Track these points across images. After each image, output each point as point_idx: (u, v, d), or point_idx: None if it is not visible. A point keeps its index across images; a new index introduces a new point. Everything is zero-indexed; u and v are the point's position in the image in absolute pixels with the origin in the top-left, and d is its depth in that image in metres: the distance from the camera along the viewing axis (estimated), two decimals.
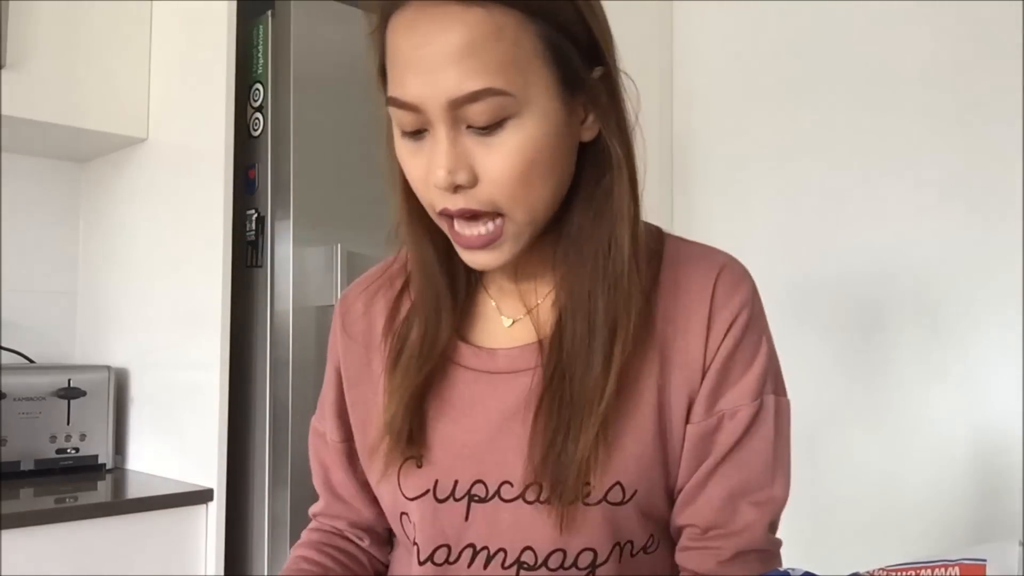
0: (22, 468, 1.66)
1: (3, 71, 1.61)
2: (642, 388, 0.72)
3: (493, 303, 0.79)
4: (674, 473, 0.74)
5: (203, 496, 1.55)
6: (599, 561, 0.71)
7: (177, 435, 1.68)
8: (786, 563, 0.78)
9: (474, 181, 0.65)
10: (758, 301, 0.76)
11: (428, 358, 0.75)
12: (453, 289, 0.77)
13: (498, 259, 0.68)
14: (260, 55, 1.64)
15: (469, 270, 0.77)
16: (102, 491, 1.62)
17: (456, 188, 0.65)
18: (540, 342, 0.74)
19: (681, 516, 0.74)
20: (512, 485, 0.71)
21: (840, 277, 2.11)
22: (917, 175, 1.99)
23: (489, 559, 0.72)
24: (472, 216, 0.66)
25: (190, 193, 1.68)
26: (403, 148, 0.69)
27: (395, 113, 0.67)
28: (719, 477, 0.73)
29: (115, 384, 1.79)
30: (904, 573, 0.77)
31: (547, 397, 0.70)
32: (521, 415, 0.72)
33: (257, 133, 1.64)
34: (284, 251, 1.59)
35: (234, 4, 1.61)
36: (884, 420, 2.01)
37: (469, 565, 0.72)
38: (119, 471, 1.79)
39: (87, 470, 1.74)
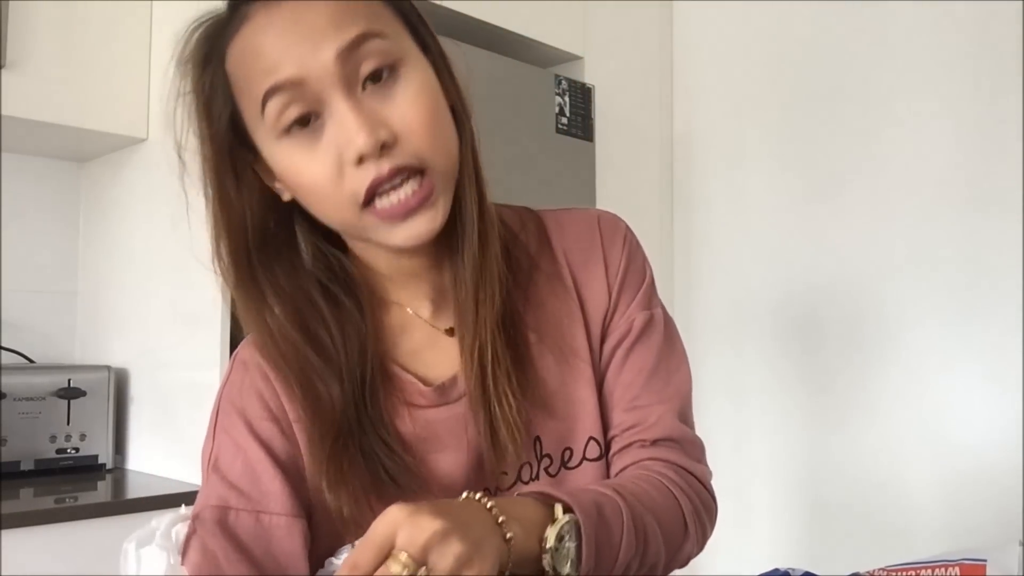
0: (22, 468, 1.66)
1: (3, 71, 1.61)
2: (575, 346, 0.77)
3: (423, 320, 0.77)
4: None
5: None
6: None
7: (177, 435, 1.67)
8: (786, 563, 0.78)
9: (394, 137, 0.64)
10: (633, 236, 0.84)
11: (333, 422, 0.70)
12: (347, 342, 0.72)
13: (434, 219, 0.67)
14: None
15: (374, 301, 0.75)
16: (102, 491, 1.62)
17: (381, 149, 0.63)
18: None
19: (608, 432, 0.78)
20: (507, 473, 0.74)
21: (840, 275, 2.11)
22: (917, 174, 1.99)
23: None
24: (396, 183, 0.64)
25: (190, 193, 1.68)
26: (297, 154, 0.65)
27: (276, 106, 0.64)
28: (623, 382, 0.78)
29: (115, 384, 1.79)
30: (904, 573, 0.77)
31: (472, 386, 0.73)
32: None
33: None
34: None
35: None
36: (884, 420, 2.01)
37: None
38: (119, 471, 1.78)
39: (87, 470, 1.74)
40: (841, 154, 2.11)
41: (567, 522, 0.60)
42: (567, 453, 0.75)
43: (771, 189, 2.24)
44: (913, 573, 0.77)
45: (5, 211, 1.93)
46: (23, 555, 1.35)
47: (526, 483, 0.74)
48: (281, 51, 0.63)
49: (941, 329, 1.93)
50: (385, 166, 0.64)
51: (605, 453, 0.76)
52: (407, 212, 0.65)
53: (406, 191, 0.65)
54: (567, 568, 0.60)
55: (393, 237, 0.67)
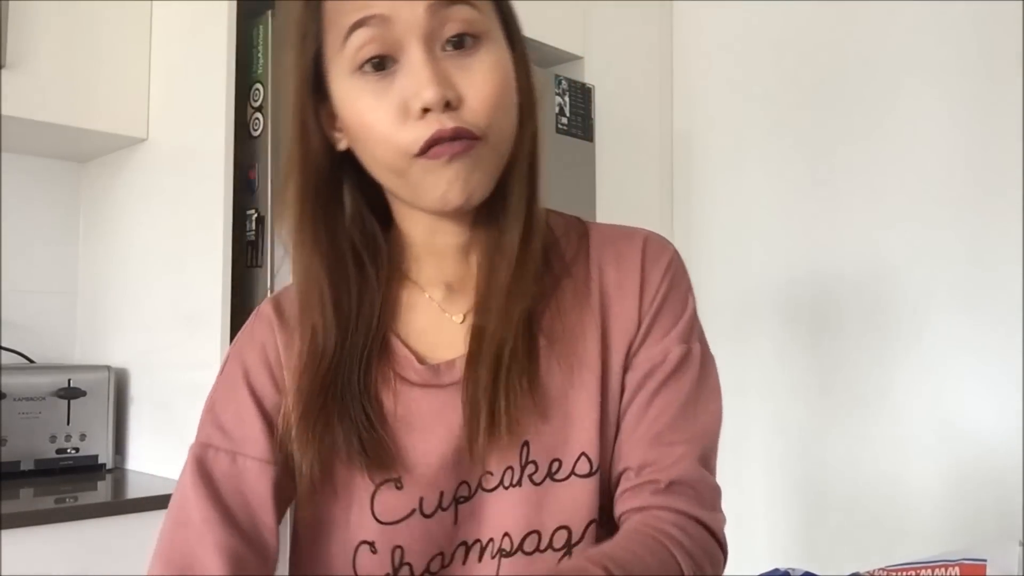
0: (22, 468, 1.66)
1: (3, 71, 1.61)
2: (586, 361, 0.74)
3: (436, 304, 0.78)
4: None
5: None
6: (574, 540, 0.71)
7: (177, 435, 1.67)
8: (786, 563, 0.78)
9: (459, 101, 0.65)
10: (681, 264, 0.81)
11: (321, 365, 0.72)
12: (359, 308, 0.74)
13: (469, 180, 0.67)
14: (260, 55, 1.64)
15: (398, 277, 0.77)
16: (102, 491, 1.62)
17: (446, 106, 0.64)
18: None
19: (617, 463, 0.74)
20: (492, 474, 0.72)
21: (840, 274, 2.11)
22: (917, 174, 1.99)
23: (482, 550, 0.73)
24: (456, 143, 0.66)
25: (190, 193, 1.68)
26: (365, 95, 0.67)
27: (358, 39, 0.65)
28: (649, 418, 0.73)
29: (115, 384, 1.79)
30: (904, 573, 0.77)
31: (478, 370, 0.72)
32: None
33: (257, 133, 1.64)
34: (284, 251, 1.58)
35: (234, 4, 1.61)
36: (884, 419, 2.01)
37: (464, 563, 0.73)
38: (119, 471, 1.78)
39: (87, 470, 1.74)
40: (841, 153, 2.11)
41: None
42: (555, 464, 0.72)
43: (771, 188, 2.24)
44: (913, 573, 0.77)
45: (5, 211, 1.93)
46: (23, 555, 1.35)
47: (508, 488, 0.72)
48: None
49: (943, 326, 1.93)
50: (449, 123, 0.65)
51: (597, 471, 0.72)
52: (452, 156, 0.66)
53: (456, 146, 0.66)
54: None
55: (433, 191, 0.68)
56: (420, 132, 0.65)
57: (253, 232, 1.64)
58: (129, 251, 1.88)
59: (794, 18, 2.21)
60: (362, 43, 0.65)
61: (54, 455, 1.70)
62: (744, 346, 2.26)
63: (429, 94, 0.63)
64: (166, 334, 1.75)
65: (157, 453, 1.75)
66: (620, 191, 2.25)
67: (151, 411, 1.79)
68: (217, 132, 1.60)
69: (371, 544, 0.73)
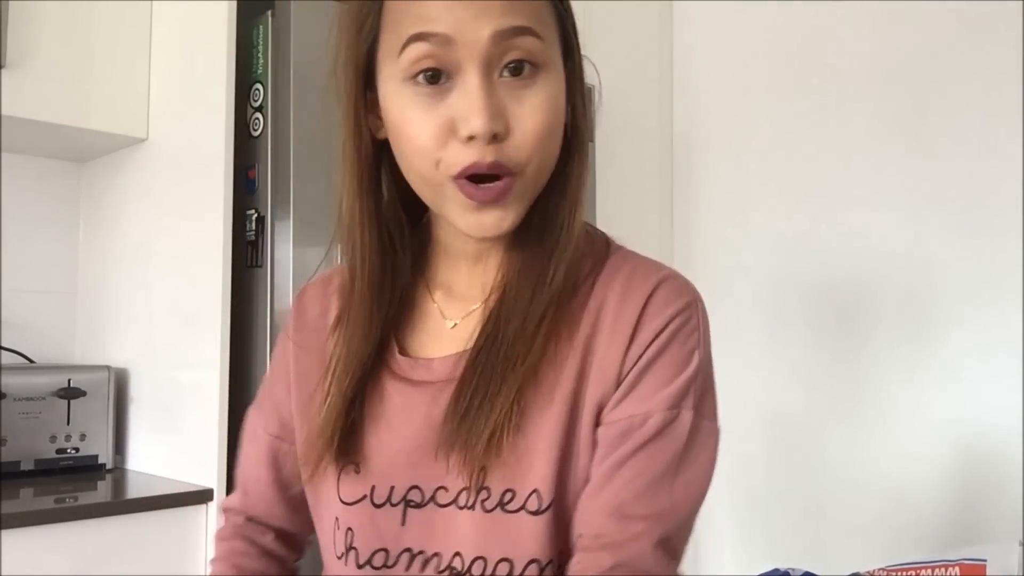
0: (22, 468, 1.66)
1: (3, 71, 1.61)
2: (556, 394, 0.69)
3: (436, 305, 0.78)
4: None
5: (203, 496, 1.54)
6: (515, 573, 0.69)
7: (177, 435, 1.67)
8: (786, 563, 0.78)
9: (507, 134, 0.64)
10: (697, 317, 0.71)
11: (358, 365, 0.74)
12: (393, 289, 0.76)
13: (505, 219, 0.67)
14: (260, 55, 1.64)
15: (414, 272, 0.78)
16: (102, 491, 1.62)
17: (492, 138, 0.63)
18: (483, 324, 0.73)
19: (576, 525, 0.69)
20: (447, 490, 0.71)
21: (839, 276, 2.11)
22: (916, 174, 1.99)
23: (425, 563, 0.72)
24: (487, 176, 0.65)
25: (190, 193, 1.68)
26: (413, 106, 0.66)
27: (416, 52, 0.64)
28: (615, 485, 0.67)
29: (115, 384, 1.79)
30: (904, 573, 0.77)
31: (478, 360, 0.70)
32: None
33: (257, 133, 1.64)
34: (284, 251, 1.59)
35: (234, 4, 1.61)
36: (884, 419, 2.01)
37: (407, 569, 0.72)
38: (119, 471, 1.79)
39: (87, 470, 1.74)
40: (840, 153, 2.11)
41: None
42: (508, 495, 0.69)
43: (771, 188, 2.24)
44: (913, 573, 0.77)
45: (5, 211, 1.93)
46: (23, 555, 1.35)
47: (461, 508, 0.70)
48: (443, 8, 0.63)
49: (943, 326, 1.93)
50: (489, 156, 0.64)
51: (547, 510, 0.68)
52: (483, 203, 0.66)
53: (493, 186, 0.66)
54: None
55: (461, 220, 0.68)
56: (460, 157, 0.64)
57: (253, 232, 1.64)
58: (129, 251, 1.88)
59: (794, 18, 2.21)
60: (419, 56, 0.64)
61: (54, 455, 1.70)
62: (743, 345, 2.26)
63: (478, 124, 0.63)
64: (166, 334, 1.75)
65: (157, 453, 1.75)
66: (620, 191, 2.25)
67: (151, 411, 1.79)
68: (217, 132, 1.60)
69: (336, 520, 0.76)
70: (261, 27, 1.64)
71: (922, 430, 1.94)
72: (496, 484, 0.69)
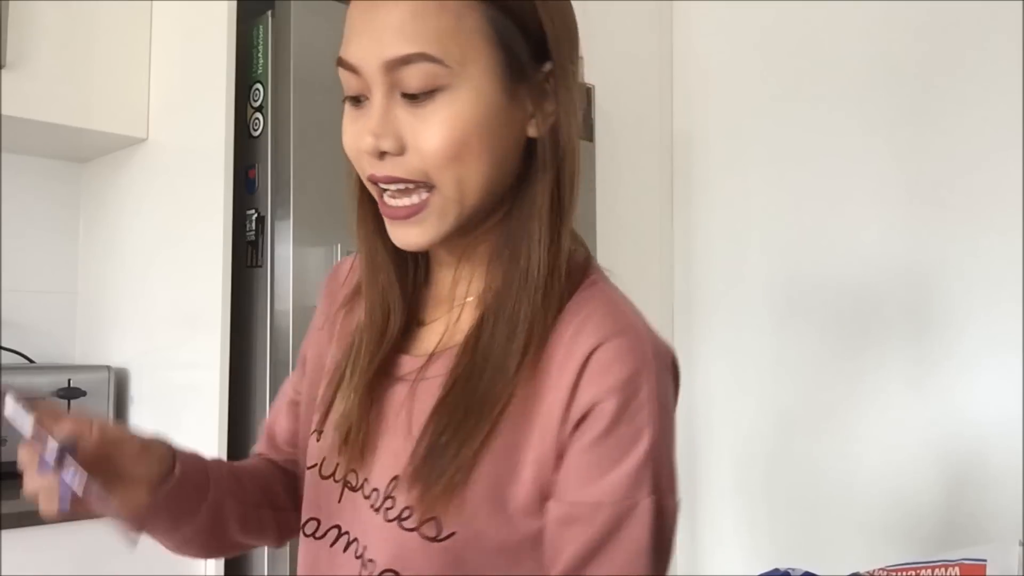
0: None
1: (3, 71, 1.61)
2: (502, 434, 0.65)
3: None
4: (503, 534, 0.65)
5: None
6: None
7: (177, 435, 1.67)
8: (786, 563, 0.78)
9: (401, 149, 0.67)
10: (648, 388, 0.64)
11: (379, 350, 0.76)
12: (402, 283, 0.77)
13: (422, 235, 0.69)
14: (260, 55, 1.64)
15: (416, 266, 0.79)
16: None
17: (382, 155, 0.67)
18: (467, 340, 0.70)
19: None
20: (368, 481, 0.72)
21: (839, 276, 2.11)
22: (916, 175, 1.99)
23: (348, 544, 0.73)
24: (402, 188, 0.68)
25: (190, 193, 1.68)
26: (345, 115, 0.71)
27: (341, 76, 0.70)
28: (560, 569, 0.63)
29: (115, 384, 1.79)
30: (904, 573, 0.77)
31: (449, 397, 0.68)
32: (396, 420, 0.72)
33: (257, 133, 1.64)
34: (284, 251, 1.59)
35: (234, 4, 1.61)
36: (885, 420, 2.01)
37: (331, 545, 0.74)
38: None
39: None
40: (841, 152, 2.11)
41: None
42: (407, 511, 0.66)
43: (771, 188, 2.24)
44: (913, 573, 0.77)
45: (5, 211, 1.93)
46: (23, 555, 1.35)
47: (372, 507, 0.70)
48: (354, 33, 0.69)
49: (943, 326, 1.93)
50: (385, 168, 0.68)
51: (443, 541, 0.65)
52: (394, 219, 0.70)
53: (400, 202, 0.69)
54: None
55: (389, 230, 0.72)
56: (367, 167, 0.69)
57: (253, 232, 1.64)
58: (129, 251, 1.88)
59: (794, 18, 2.21)
60: (345, 80, 0.70)
61: None
62: (743, 345, 2.26)
63: (366, 141, 0.67)
64: (166, 334, 1.75)
65: None
66: (620, 191, 2.25)
67: (151, 411, 1.79)
68: (217, 132, 1.60)
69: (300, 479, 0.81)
70: (261, 27, 1.64)
71: (922, 430, 1.94)
72: (401, 498, 0.67)
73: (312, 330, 0.89)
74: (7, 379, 1.66)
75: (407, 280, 0.77)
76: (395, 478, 0.68)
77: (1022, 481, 1.77)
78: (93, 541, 1.44)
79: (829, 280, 2.12)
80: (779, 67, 2.24)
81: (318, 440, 0.78)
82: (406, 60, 0.65)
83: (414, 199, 0.68)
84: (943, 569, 0.77)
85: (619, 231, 2.18)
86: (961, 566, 0.77)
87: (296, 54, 1.58)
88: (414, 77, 0.66)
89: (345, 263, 0.88)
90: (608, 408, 0.63)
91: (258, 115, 1.64)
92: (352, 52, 0.68)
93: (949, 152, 1.93)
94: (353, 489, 0.74)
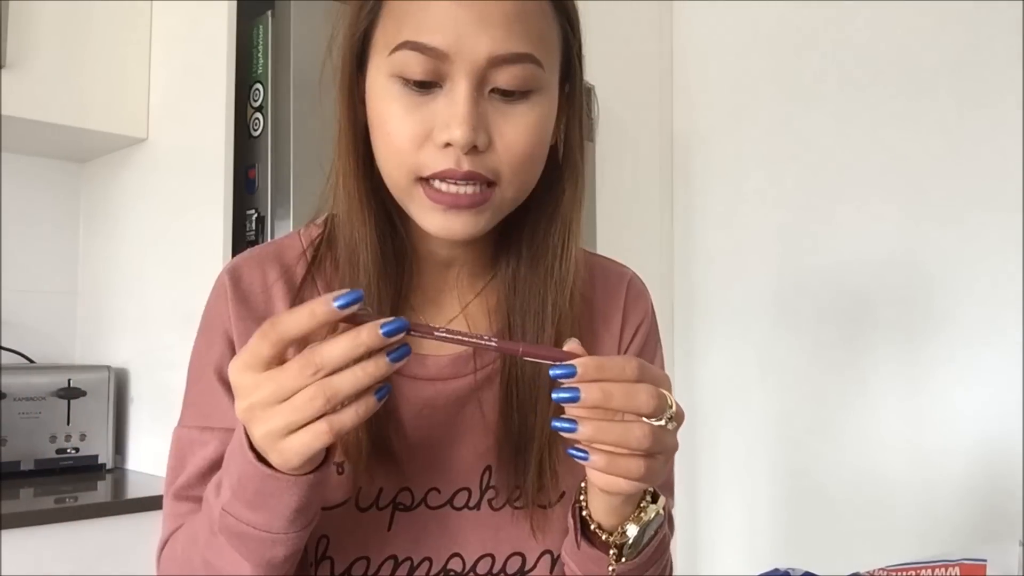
0: (22, 468, 1.66)
1: (3, 71, 1.61)
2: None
3: (411, 307, 0.75)
4: (578, 471, 0.69)
5: None
6: (527, 567, 0.70)
7: None
8: (786, 563, 0.78)
9: (488, 146, 0.63)
10: (654, 312, 0.85)
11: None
12: (398, 268, 0.73)
13: (475, 225, 0.65)
14: (260, 55, 1.64)
15: (400, 268, 0.73)
16: (102, 491, 1.62)
17: (471, 149, 0.62)
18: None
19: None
20: (439, 492, 0.70)
21: (838, 276, 2.11)
22: (916, 175, 1.99)
23: (412, 569, 0.70)
24: (464, 183, 0.64)
25: (190, 193, 1.68)
26: (396, 103, 0.64)
27: (407, 57, 0.62)
28: None
29: (115, 384, 1.79)
30: (904, 573, 0.77)
31: (505, 402, 0.70)
32: (451, 422, 0.71)
33: (257, 133, 1.64)
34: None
35: (234, 4, 1.61)
36: (884, 419, 2.01)
37: None
38: (119, 471, 1.78)
39: (87, 470, 1.74)
40: (841, 152, 2.11)
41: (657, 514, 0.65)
42: (517, 492, 0.71)
43: (771, 188, 2.24)
44: (913, 573, 0.77)
45: (5, 211, 1.93)
46: (23, 555, 1.35)
47: (458, 510, 0.70)
48: (445, 18, 0.61)
49: (943, 326, 1.93)
50: (465, 165, 0.63)
51: (557, 503, 0.71)
52: (453, 206, 0.64)
53: (466, 189, 0.64)
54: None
55: (426, 220, 0.66)
56: (433, 161, 0.63)
57: (253, 232, 1.64)
58: (129, 251, 1.88)
59: (794, 18, 2.21)
60: (410, 63, 0.62)
61: (54, 455, 1.70)
62: (743, 345, 2.26)
63: (459, 133, 0.61)
64: (166, 334, 1.75)
65: (157, 453, 1.75)
66: (620, 191, 2.25)
67: (151, 411, 1.79)
68: (217, 132, 1.60)
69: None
70: (261, 27, 1.64)
71: (922, 430, 1.94)
72: (502, 482, 0.71)
73: (220, 360, 0.78)
74: (7, 379, 1.66)
75: (400, 283, 0.74)
76: (488, 467, 0.71)
77: (1022, 481, 1.77)
78: (93, 541, 1.44)
79: (829, 280, 2.12)
80: (779, 67, 2.24)
81: (340, 472, 0.69)
82: (515, 59, 0.62)
83: (479, 188, 0.64)
84: (943, 569, 0.77)
85: (619, 231, 2.18)
86: (961, 566, 0.77)
87: (296, 54, 1.58)
88: (516, 76, 0.63)
89: (244, 267, 0.77)
90: (646, 325, 0.82)
91: (258, 115, 1.64)
92: (445, 37, 0.61)
93: (949, 152, 1.93)
94: (409, 509, 0.70)
